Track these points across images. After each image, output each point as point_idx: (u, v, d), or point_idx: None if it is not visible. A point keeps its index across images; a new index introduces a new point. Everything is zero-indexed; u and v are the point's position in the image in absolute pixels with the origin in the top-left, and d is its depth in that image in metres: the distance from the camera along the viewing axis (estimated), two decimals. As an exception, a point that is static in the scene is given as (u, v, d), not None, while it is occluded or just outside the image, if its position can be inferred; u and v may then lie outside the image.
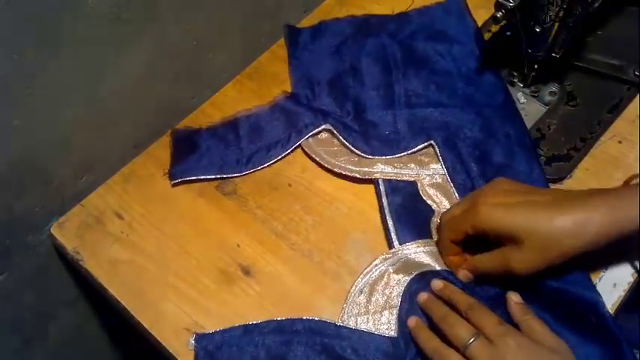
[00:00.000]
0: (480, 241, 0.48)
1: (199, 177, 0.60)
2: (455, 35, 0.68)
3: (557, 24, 0.58)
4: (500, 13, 0.56)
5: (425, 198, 0.57)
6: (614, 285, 0.52)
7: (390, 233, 0.55)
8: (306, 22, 0.73)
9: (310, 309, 0.52)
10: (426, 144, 0.60)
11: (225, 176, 0.60)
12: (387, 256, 0.54)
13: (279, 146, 0.61)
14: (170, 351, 0.51)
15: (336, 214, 0.58)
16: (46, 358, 0.68)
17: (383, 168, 0.59)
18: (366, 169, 0.59)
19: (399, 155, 0.59)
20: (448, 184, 0.57)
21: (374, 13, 0.73)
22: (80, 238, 0.57)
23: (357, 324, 0.51)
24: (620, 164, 0.59)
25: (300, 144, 0.61)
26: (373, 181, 0.59)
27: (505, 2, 0.56)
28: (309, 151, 0.61)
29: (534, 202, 0.46)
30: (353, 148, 0.60)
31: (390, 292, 0.52)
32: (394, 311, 0.51)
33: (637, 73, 0.63)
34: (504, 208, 0.46)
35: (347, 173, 0.59)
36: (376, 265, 0.53)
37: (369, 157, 0.59)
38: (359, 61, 0.67)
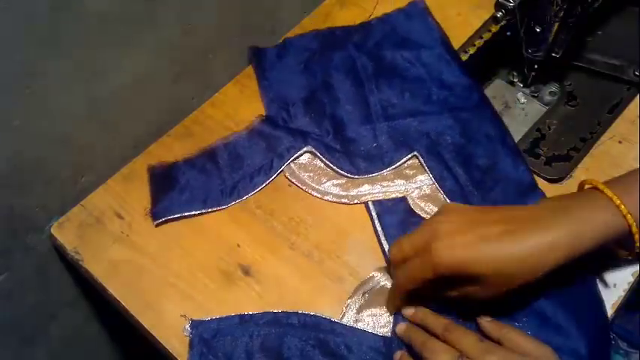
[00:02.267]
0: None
1: (183, 214, 0.57)
2: (420, 40, 0.67)
3: (557, 24, 0.58)
4: (500, 13, 0.56)
5: (418, 211, 0.56)
6: (614, 285, 0.52)
7: (386, 254, 0.54)
8: (306, 22, 0.73)
9: (310, 309, 0.52)
10: (409, 156, 0.59)
11: (210, 210, 0.58)
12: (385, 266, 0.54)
13: (262, 173, 0.59)
14: (170, 351, 0.51)
15: (336, 214, 0.58)
16: (46, 358, 0.68)
17: (370, 189, 0.58)
18: (353, 192, 0.58)
19: (385, 172, 0.59)
20: (438, 192, 0.57)
21: (374, 13, 0.72)
22: (80, 238, 0.57)
23: (356, 323, 0.51)
24: (620, 164, 0.59)
25: (283, 169, 0.60)
26: (365, 205, 0.58)
27: (505, 2, 0.56)
28: (292, 179, 0.59)
29: (494, 236, 0.43)
30: (338, 170, 0.59)
31: None
32: (392, 316, 0.51)
33: (637, 73, 0.63)
34: (463, 248, 0.43)
35: (335, 200, 0.58)
36: (374, 276, 0.53)
37: (355, 177, 0.59)
38: (330, 76, 0.65)
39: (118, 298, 0.54)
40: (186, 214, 0.57)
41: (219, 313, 0.52)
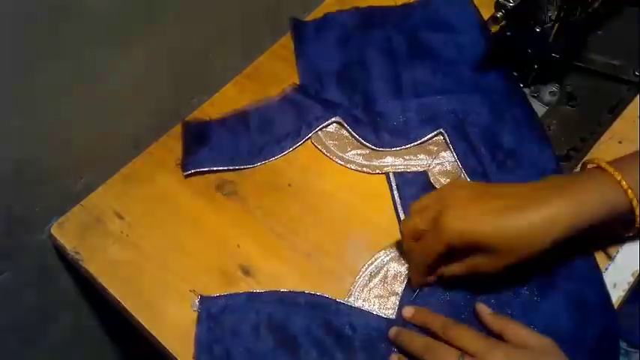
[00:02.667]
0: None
1: (211, 168, 0.60)
2: (458, 24, 0.69)
3: (557, 24, 0.58)
4: (500, 13, 0.56)
5: (437, 186, 0.57)
6: (614, 285, 0.52)
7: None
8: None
9: (310, 309, 0.52)
10: (435, 132, 0.60)
11: (236, 167, 0.60)
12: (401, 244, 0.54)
13: (289, 138, 0.62)
14: (170, 351, 0.51)
15: (336, 214, 0.58)
16: (46, 358, 0.68)
17: (393, 161, 0.60)
18: (375, 162, 0.60)
19: (408, 146, 0.60)
20: (459, 170, 0.58)
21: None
22: (80, 238, 0.57)
23: (362, 304, 0.51)
24: (620, 164, 0.58)
25: (310, 137, 0.62)
26: (385, 175, 0.59)
27: (505, 2, 0.56)
28: (318, 145, 0.61)
29: (501, 208, 0.44)
30: (363, 141, 0.60)
31: (399, 280, 0.52)
32: (398, 297, 0.52)
33: (637, 73, 0.63)
34: (473, 220, 0.44)
35: (357, 168, 0.60)
36: (388, 252, 0.54)
37: (379, 149, 0.60)
38: (365, 52, 0.67)
39: (118, 298, 0.54)
40: (214, 168, 0.60)
41: (219, 313, 0.52)
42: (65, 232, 0.58)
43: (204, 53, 0.64)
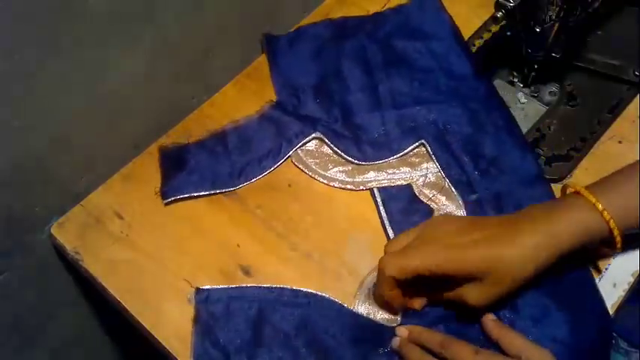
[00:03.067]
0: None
1: (192, 194, 0.58)
2: (432, 31, 0.68)
3: (557, 24, 0.58)
4: (500, 13, 0.56)
5: (422, 198, 0.57)
6: (614, 285, 0.52)
7: (389, 239, 0.55)
8: (306, 22, 0.73)
9: (310, 309, 0.52)
10: (417, 144, 0.60)
11: (218, 191, 0.59)
12: None
13: (270, 157, 0.60)
14: (170, 351, 0.51)
15: (336, 214, 0.58)
16: (46, 358, 0.68)
17: (376, 176, 0.59)
18: (358, 179, 0.59)
19: (391, 159, 0.59)
20: (443, 181, 0.58)
21: (372, 12, 0.72)
22: (80, 238, 0.57)
23: (365, 311, 0.52)
24: (620, 164, 0.58)
25: (291, 154, 0.60)
26: (370, 191, 0.58)
27: (505, 2, 0.56)
28: (299, 165, 0.60)
29: (485, 239, 0.45)
30: (345, 156, 0.59)
31: None
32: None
33: (637, 73, 0.63)
34: (460, 248, 0.45)
35: (340, 186, 0.59)
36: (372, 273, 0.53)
37: (362, 163, 0.59)
38: (340, 64, 0.66)
39: (118, 298, 0.54)
40: (195, 194, 0.58)
41: (219, 313, 0.52)
42: (65, 232, 0.58)
43: (204, 53, 0.64)
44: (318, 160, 0.60)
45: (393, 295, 0.48)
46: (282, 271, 0.54)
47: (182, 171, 0.60)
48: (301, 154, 0.61)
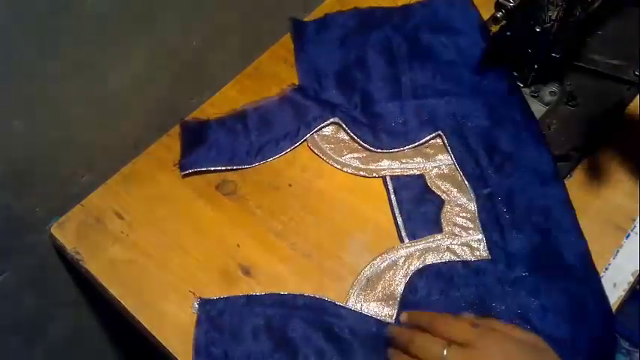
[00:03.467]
0: None
1: (209, 168, 0.60)
2: (459, 26, 0.69)
3: (557, 24, 0.58)
4: (500, 13, 0.56)
5: (434, 189, 0.58)
6: (614, 285, 0.52)
7: (399, 230, 0.56)
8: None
9: (310, 309, 0.52)
10: (433, 135, 0.60)
11: (235, 167, 0.60)
12: (398, 248, 0.54)
13: (288, 139, 0.62)
14: (170, 351, 0.51)
15: (336, 214, 0.58)
16: (46, 358, 0.68)
17: (389, 164, 0.59)
18: (372, 166, 0.60)
19: (406, 148, 0.60)
20: (456, 173, 0.58)
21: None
22: (80, 238, 0.57)
23: (360, 308, 0.51)
24: (620, 164, 0.59)
25: (308, 137, 0.62)
26: (381, 178, 0.59)
27: (505, 2, 0.56)
28: (314, 149, 0.61)
29: None
30: (361, 142, 0.60)
31: (397, 284, 0.52)
32: (397, 302, 0.51)
33: (637, 73, 0.63)
34: None
35: (353, 172, 0.60)
36: (385, 257, 0.54)
37: (377, 150, 0.60)
38: (364, 53, 0.67)
39: (118, 298, 0.54)
40: (212, 168, 0.60)
41: (219, 313, 0.52)
42: (65, 232, 0.58)
43: (204, 53, 0.64)
44: (333, 146, 0.61)
45: None
46: (282, 271, 0.54)
47: (201, 145, 0.61)
48: (317, 139, 0.62)
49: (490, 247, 0.53)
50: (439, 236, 0.55)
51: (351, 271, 0.54)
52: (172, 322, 0.52)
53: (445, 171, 0.59)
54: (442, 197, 0.57)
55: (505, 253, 0.53)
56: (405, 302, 0.51)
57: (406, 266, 0.53)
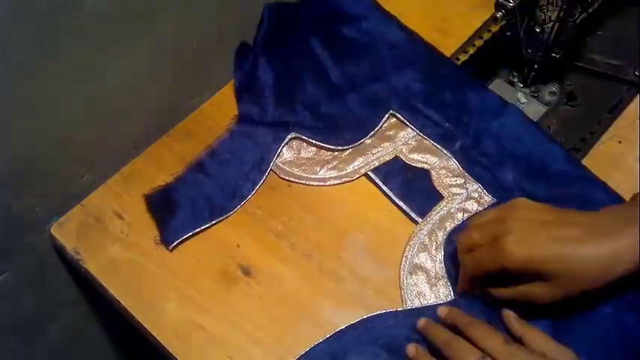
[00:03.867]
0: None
1: (195, 231, 0.56)
2: (355, 12, 0.69)
3: (557, 24, 0.58)
4: (500, 13, 0.56)
5: (414, 164, 0.59)
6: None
7: (408, 214, 0.57)
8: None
9: (310, 309, 0.52)
10: (387, 115, 0.62)
11: (218, 220, 0.57)
12: (417, 231, 0.56)
13: (256, 170, 0.60)
14: (170, 351, 0.51)
15: (336, 214, 0.58)
16: (46, 358, 0.68)
17: (364, 160, 0.60)
18: (350, 169, 0.60)
19: (368, 140, 0.61)
20: (425, 141, 0.61)
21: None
22: (80, 238, 0.57)
23: (420, 302, 0.52)
24: (620, 164, 0.59)
25: (274, 162, 0.60)
26: (366, 176, 0.60)
27: (505, 2, 0.56)
28: (287, 177, 0.60)
29: (564, 238, 0.43)
30: (327, 145, 0.60)
31: (437, 261, 0.54)
32: (446, 278, 0.53)
33: (637, 73, 0.63)
34: (534, 246, 0.43)
35: (337, 182, 0.59)
36: (412, 245, 0.55)
37: (345, 147, 0.60)
38: (287, 61, 0.66)
39: (118, 298, 0.54)
40: (197, 230, 0.56)
41: (219, 313, 0.52)
42: (65, 232, 0.58)
43: (204, 53, 0.64)
44: (304, 167, 0.60)
45: (469, 287, 0.50)
46: (282, 271, 0.54)
47: (174, 211, 0.57)
48: (285, 167, 0.60)
49: (490, 191, 0.57)
50: (443, 202, 0.57)
51: (351, 271, 0.54)
52: (172, 322, 0.52)
53: (414, 144, 0.61)
54: (425, 167, 0.59)
55: (503, 189, 0.56)
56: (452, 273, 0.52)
57: (434, 242, 0.55)
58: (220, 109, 0.66)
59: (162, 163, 0.62)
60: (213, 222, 0.57)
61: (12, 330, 0.62)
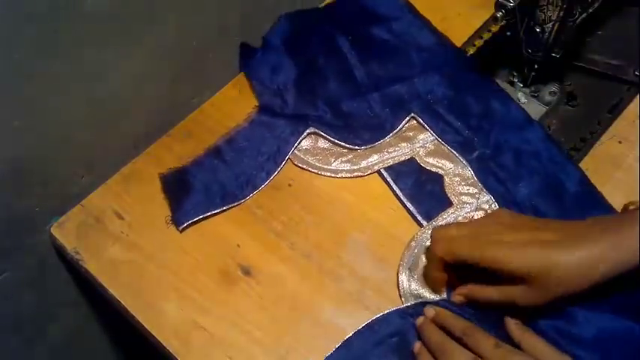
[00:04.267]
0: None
1: (206, 214, 0.57)
2: (387, 12, 0.69)
3: (557, 24, 0.58)
4: (500, 13, 0.56)
5: (428, 168, 0.59)
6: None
7: (414, 215, 0.57)
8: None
9: (310, 309, 0.52)
10: (408, 118, 0.62)
11: (230, 206, 0.58)
12: (420, 233, 0.56)
13: (271, 161, 0.60)
14: (170, 351, 0.51)
15: (336, 214, 0.58)
16: (46, 358, 0.68)
17: (379, 157, 0.60)
18: (363, 164, 0.60)
19: (388, 138, 0.61)
20: (442, 146, 0.60)
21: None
22: (80, 238, 0.57)
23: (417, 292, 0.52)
24: (620, 164, 0.59)
25: (290, 154, 0.60)
26: (378, 173, 0.60)
27: (505, 2, 0.56)
28: (301, 165, 0.60)
29: (544, 242, 0.44)
30: (343, 144, 0.60)
31: None
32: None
33: (637, 73, 0.63)
34: (514, 247, 0.44)
35: (348, 175, 0.60)
36: (411, 247, 0.55)
37: (361, 148, 0.60)
38: (313, 58, 0.67)
39: (118, 298, 0.54)
40: (208, 214, 0.57)
41: (219, 313, 0.52)
42: (65, 232, 0.58)
43: (204, 53, 0.64)
44: (319, 157, 0.61)
45: (439, 277, 0.50)
46: (282, 271, 0.54)
47: (188, 193, 0.58)
48: (300, 154, 0.61)
49: (501, 204, 0.56)
50: (451, 209, 0.57)
51: (351, 271, 0.54)
52: (172, 322, 0.52)
53: (431, 147, 0.61)
54: (439, 172, 0.59)
55: (515, 204, 0.55)
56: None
57: None
58: (220, 109, 0.66)
59: (162, 163, 0.62)
60: (225, 208, 0.58)
61: (12, 330, 0.62)
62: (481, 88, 0.63)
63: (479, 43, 0.69)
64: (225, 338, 0.51)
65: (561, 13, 0.57)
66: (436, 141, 0.61)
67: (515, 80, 0.68)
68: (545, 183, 0.56)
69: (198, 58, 0.63)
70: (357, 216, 0.57)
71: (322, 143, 0.62)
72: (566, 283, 0.43)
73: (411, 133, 0.62)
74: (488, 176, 0.58)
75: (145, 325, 0.52)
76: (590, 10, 0.59)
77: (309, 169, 0.60)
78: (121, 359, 0.83)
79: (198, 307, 0.53)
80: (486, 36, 0.69)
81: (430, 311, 0.49)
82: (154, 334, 0.51)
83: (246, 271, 0.55)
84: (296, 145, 0.61)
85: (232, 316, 0.52)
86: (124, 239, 0.57)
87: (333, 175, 0.60)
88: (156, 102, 0.61)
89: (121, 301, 0.53)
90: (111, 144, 0.60)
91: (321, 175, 0.60)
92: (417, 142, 0.61)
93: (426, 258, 0.52)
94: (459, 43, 0.69)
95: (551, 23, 0.58)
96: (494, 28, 0.69)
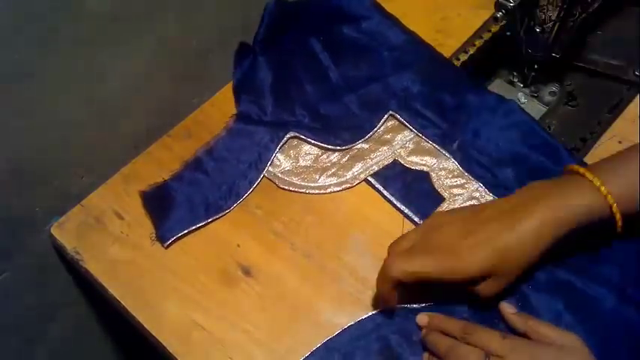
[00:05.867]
0: None
1: (190, 229, 0.56)
2: (355, 12, 0.69)
3: (557, 24, 0.58)
4: (500, 13, 0.56)
5: (413, 167, 0.59)
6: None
7: (410, 217, 0.57)
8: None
9: (310, 309, 0.52)
10: (386, 116, 0.62)
11: (215, 218, 0.57)
12: None
13: (253, 168, 0.60)
14: (170, 351, 0.51)
15: (336, 214, 0.58)
16: (46, 358, 0.68)
17: (363, 165, 0.60)
18: (349, 175, 0.59)
19: (368, 136, 0.61)
20: (423, 143, 0.61)
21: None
22: (80, 238, 0.57)
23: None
24: (620, 164, 0.58)
25: (272, 159, 0.60)
26: (366, 181, 0.59)
27: (505, 2, 0.56)
28: (286, 186, 0.59)
29: (486, 238, 0.45)
30: (326, 145, 0.60)
31: None
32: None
33: (637, 73, 0.63)
34: (462, 257, 0.45)
35: (337, 189, 0.59)
36: None
37: (344, 148, 0.60)
38: (287, 61, 0.66)
39: (118, 298, 0.54)
40: (193, 228, 0.56)
41: (219, 313, 0.52)
42: (65, 232, 0.58)
43: (204, 53, 0.64)
44: (303, 176, 0.60)
45: (391, 295, 0.48)
46: (282, 271, 0.54)
47: (171, 209, 0.57)
48: (284, 177, 0.60)
49: (492, 190, 0.56)
50: (445, 204, 0.57)
51: (351, 271, 0.54)
52: (172, 322, 0.52)
53: (411, 146, 0.60)
54: (424, 170, 0.59)
55: (505, 187, 0.56)
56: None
57: None
58: (220, 109, 0.66)
59: (162, 163, 0.62)
60: (209, 220, 0.57)
61: (12, 330, 0.62)
62: (454, 82, 0.63)
63: (479, 43, 0.68)
64: (225, 338, 0.51)
65: (561, 13, 0.57)
66: (415, 139, 0.61)
67: (515, 80, 0.68)
68: (530, 162, 0.57)
69: (198, 58, 0.63)
70: (358, 216, 0.57)
71: (303, 161, 0.60)
72: (522, 260, 0.45)
73: (388, 136, 0.61)
74: (473, 164, 0.58)
75: (145, 325, 0.52)
76: (590, 10, 0.59)
77: (297, 190, 0.59)
78: (120, 359, 0.83)
79: (198, 307, 0.53)
80: (486, 36, 0.69)
81: (423, 319, 0.49)
82: (153, 334, 0.51)
83: (246, 271, 0.55)
84: (276, 151, 0.60)
85: (232, 316, 0.52)
86: (124, 239, 0.57)
87: (322, 191, 0.59)
88: (156, 102, 0.61)
89: (121, 301, 0.53)
90: (111, 144, 0.60)
91: (310, 194, 0.59)
92: (396, 143, 0.61)
93: (378, 277, 0.48)
94: (458, 43, 0.69)
95: (551, 23, 0.58)
96: (495, 28, 0.69)
